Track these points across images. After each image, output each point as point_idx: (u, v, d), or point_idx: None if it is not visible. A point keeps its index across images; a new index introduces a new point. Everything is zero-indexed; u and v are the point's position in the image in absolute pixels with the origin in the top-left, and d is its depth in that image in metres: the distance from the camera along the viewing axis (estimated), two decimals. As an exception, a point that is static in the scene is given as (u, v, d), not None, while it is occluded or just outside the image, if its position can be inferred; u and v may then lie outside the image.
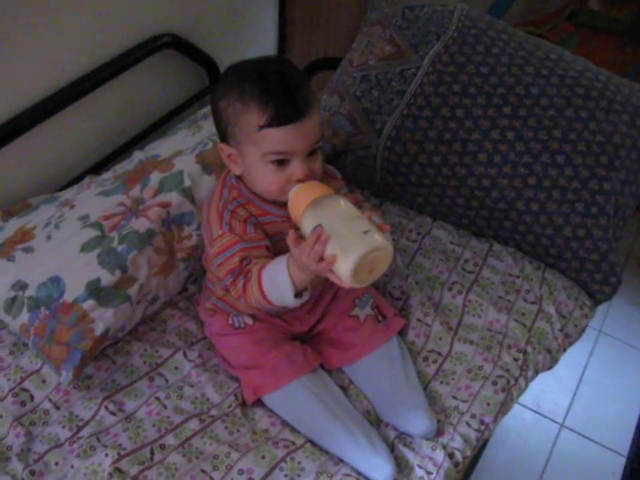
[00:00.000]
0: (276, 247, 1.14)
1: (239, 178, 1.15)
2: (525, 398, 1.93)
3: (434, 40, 1.50)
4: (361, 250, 0.95)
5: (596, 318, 2.10)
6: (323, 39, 1.96)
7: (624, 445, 1.87)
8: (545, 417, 1.92)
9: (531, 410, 1.93)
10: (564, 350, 1.40)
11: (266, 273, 1.07)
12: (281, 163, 1.05)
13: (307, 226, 1.01)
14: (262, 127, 1.03)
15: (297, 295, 1.05)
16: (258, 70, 1.06)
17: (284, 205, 1.10)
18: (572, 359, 2.01)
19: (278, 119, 1.02)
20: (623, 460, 1.84)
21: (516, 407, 1.91)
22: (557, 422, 1.91)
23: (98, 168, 1.55)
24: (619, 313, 2.21)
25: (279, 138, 1.03)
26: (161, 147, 1.46)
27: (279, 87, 1.04)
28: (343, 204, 1.03)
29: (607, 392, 1.99)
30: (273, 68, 1.07)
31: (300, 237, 1.02)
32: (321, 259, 0.97)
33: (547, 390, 1.98)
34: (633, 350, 2.11)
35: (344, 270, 0.96)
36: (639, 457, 1.85)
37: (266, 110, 1.02)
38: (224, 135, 1.10)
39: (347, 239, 0.97)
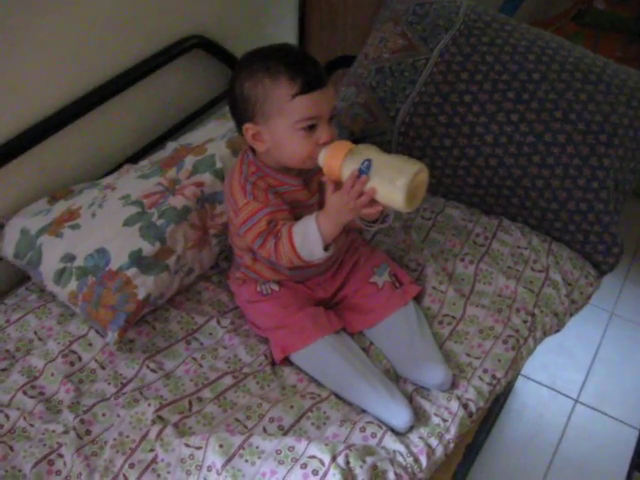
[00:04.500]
0: (293, 214, 1.26)
1: (255, 155, 1.27)
2: (541, 375, 2.03)
3: (442, 33, 1.62)
4: (415, 168, 1.10)
5: (608, 300, 2.21)
6: (340, 38, 2.09)
7: (637, 418, 1.94)
8: (560, 393, 2.01)
9: (547, 387, 2.02)
10: (571, 315, 1.49)
11: (296, 229, 1.19)
12: (309, 129, 1.18)
13: (349, 171, 1.14)
14: (294, 95, 1.15)
15: (325, 249, 1.18)
16: (277, 50, 1.20)
17: (298, 175, 1.26)
18: (586, 339, 2.12)
19: (307, 86, 1.15)
20: (636, 432, 1.92)
21: (532, 384, 2.01)
22: (572, 398, 2.00)
23: (135, 159, 1.67)
24: (630, 296, 2.29)
25: (309, 104, 1.16)
26: (193, 137, 1.59)
27: (301, 60, 1.18)
28: (376, 147, 1.17)
29: (620, 369, 2.07)
30: (289, 48, 1.22)
31: (338, 188, 1.16)
32: (360, 196, 1.12)
33: (562, 368, 2.06)
34: (645, 330, 2.19)
35: (399, 189, 1.09)
36: (652, 430, 1.92)
37: (295, 80, 1.15)
38: (250, 115, 1.21)
39: (396, 164, 1.12)
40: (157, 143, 1.74)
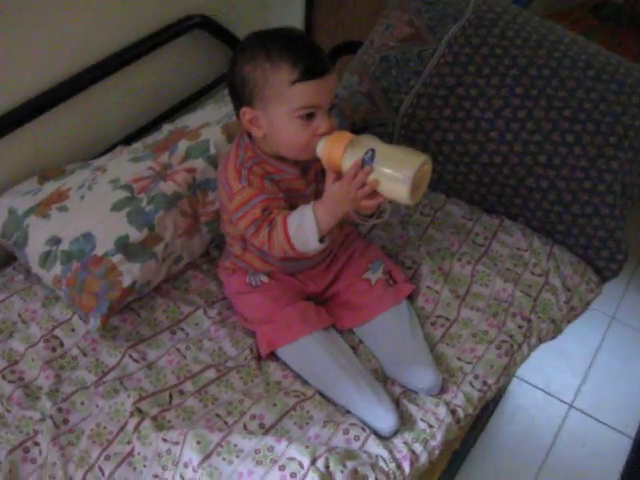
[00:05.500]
0: (289, 203, 1.22)
1: (251, 140, 1.22)
2: (536, 378, 2.00)
3: (451, 23, 1.56)
4: (420, 159, 1.07)
5: (609, 305, 2.17)
6: (348, 22, 2.03)
7: (631, 426, 1.91)
8: (555, 397, 1.97)
9: (541, 390, 1.98)
10: (568, 322, 1.45)
11: (292, 219, 1.15)
12: (307, 118, 1.14)
13: (350, 161, 1.10)
14: (294, 82, 1.11)
15: (320, 240, 1.14)
16: (281, 34, 1.16)
17: (295, 163, 1.21)
18: (584, 342, 2.08)
19: (308, 73, 1.11)
20: (630, 441, 1.88)
21: (526, 387, 1.98)
22: (566, 402, 1.96)
23: (129, 140, 1.63)
24: (633, 301, 2.24)
25: (308, 92, 1.12)
26: (189, 120, 1.55)
27: (305, 46, 1.14)
28: (377, 138, 1.13)
29: (617, 376, 2.03)
30: (293, 32, 1.18)
31: (339, 177, 1.12)
32: (362, 187, 1.08)
33: (558, 371, 2.03)
34: (645, 337, 2.15)
35: (404, 181, 1.06)
36: (646, 439, 1.89)
37: (296, 66, 1.11)
38: (248, 99, 1.17)
39: (400, 155, 1.09)
40: (154, 124, 1.69)
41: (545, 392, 1.98)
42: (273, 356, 1.30)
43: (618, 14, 2.53)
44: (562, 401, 1.96)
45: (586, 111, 1.46)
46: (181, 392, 1.21)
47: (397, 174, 1.07)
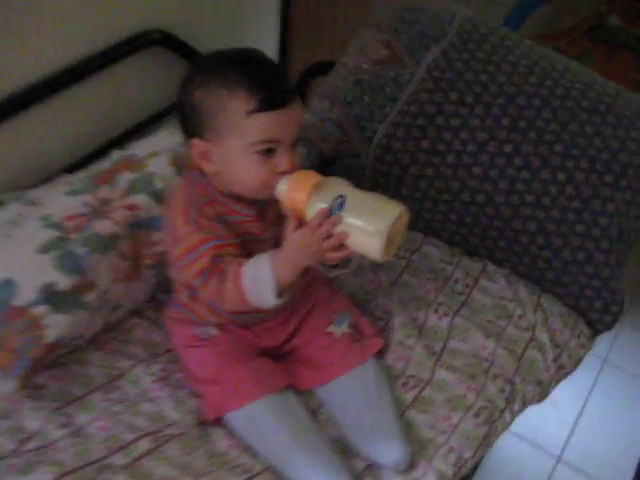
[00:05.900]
0: (244, 249, 1.07)
1: (203, 176, 1.08)
2: (522, 428, 1.84)
3: (432, 45, 1.42)
4: (396, 212, 0.94)
5: (601, 346, 2.01)
6: (328, 39, 1.87)
7: (623, 482, 1.76)
8: (542, 449, 1.82)
9: (528, 441, 1.83)
10: (557, 382, 1.30)
11: (246, 270, 1.01)
12: (267, 153, 1.00)
13: (315, 208, 0.97)
14: (251, 112, 0.97)
15: (279, 295, 1.01)
16: (240, 57, 1.03)
17: (252, 204, 1.08)
18: (574, 387, 1.92)
19: (268, 103, 0.97)
20: (623, 500, 1.73)
21: (512, 438, 1.82)
22: (555, 455, 1.81)
23: (76, 168, 1.47)
24: (626, 342, 2.09)
25: (268, 124, 0.98)
26: (139, 147, 1.38)
27: (266, 72, 1.01)
28: (347, 182, 1.01)
29: (609, 426, 1.88)
30: (254, 55, 1.04)
31: (300, 224, 0.99)
32: (327, 238, 0.95)
33: (546, 420, 1.87)
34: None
35: (377, 235, 0.93)
36: (640, 497, 1.74)
37: (255, 94, 0.97)
38: (199, 129, 1.03)
39: (373, 205, 0.97)
40: (105, 150, 1.53)
41: (532, 443, 1.83)
42: (219, 421, 1.14)
43: (613, 37, 2.40)
44: (550, 453, 1.81)
45: (580, 146, 1.33)
46: (109, 466, 1.05)
47: (369, 227, 0.94)
